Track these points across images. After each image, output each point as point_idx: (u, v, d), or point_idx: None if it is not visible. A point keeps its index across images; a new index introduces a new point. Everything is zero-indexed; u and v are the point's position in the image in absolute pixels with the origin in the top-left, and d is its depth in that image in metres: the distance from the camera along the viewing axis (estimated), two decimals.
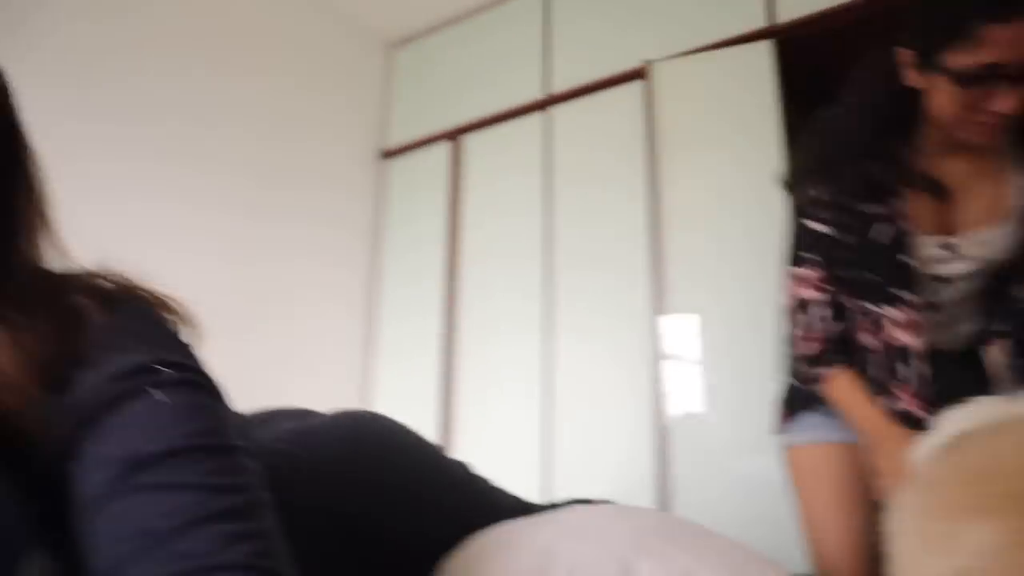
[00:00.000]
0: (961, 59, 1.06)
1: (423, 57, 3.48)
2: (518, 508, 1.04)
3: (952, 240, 1.20)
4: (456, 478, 0.99)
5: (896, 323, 1.19)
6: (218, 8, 2.79)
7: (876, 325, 1.22)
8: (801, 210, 1.34)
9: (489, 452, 2.70)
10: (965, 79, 1.06)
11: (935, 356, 1.20)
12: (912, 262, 1.19)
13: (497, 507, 1.00)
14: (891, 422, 1.19)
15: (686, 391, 2.37)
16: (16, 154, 0.55)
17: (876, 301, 1.22)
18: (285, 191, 2.94)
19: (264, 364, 2.68)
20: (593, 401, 2.57)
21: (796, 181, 1.36)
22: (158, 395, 0.48)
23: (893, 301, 1.20)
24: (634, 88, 2.72)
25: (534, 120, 3.00)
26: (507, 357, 2.80)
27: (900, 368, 1.19)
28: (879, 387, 1.22)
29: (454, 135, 3.20)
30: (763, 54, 2.46)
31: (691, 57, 2.60)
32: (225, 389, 0.54)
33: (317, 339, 2.98)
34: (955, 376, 1.20)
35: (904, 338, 1.19)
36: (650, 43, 2.72)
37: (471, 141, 3.18)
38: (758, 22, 2.51)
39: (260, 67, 2.92)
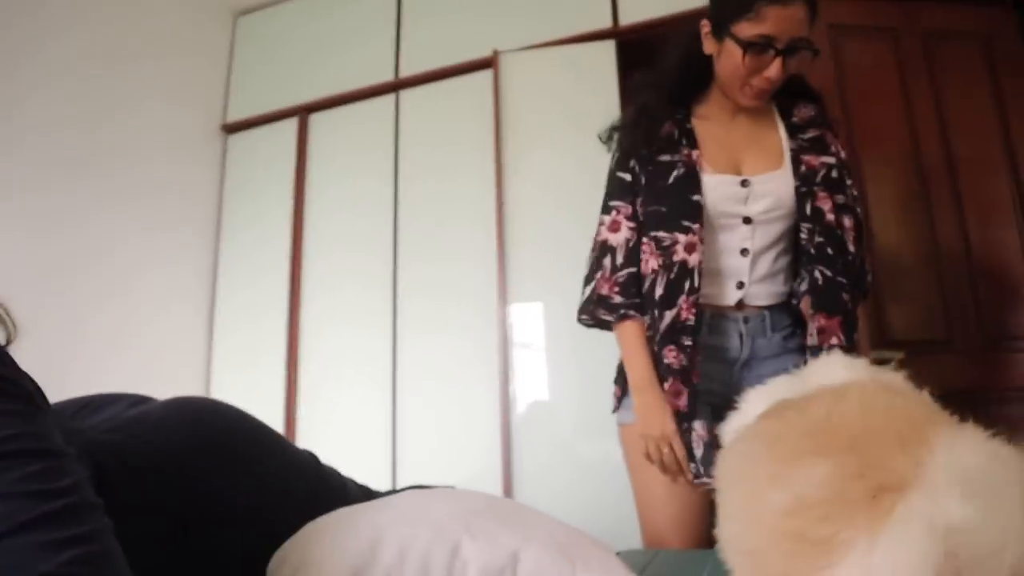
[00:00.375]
0: (745, 29, 1.35)
1: (271, 27, 3.33)
2: (360, 494, 1.05)
3: (747, 177, 1.44)
4: (300, 462, 0.98)
5: (684, 247, 1.41)
6: None
7: (667, 251, 1.43)
8: (611, 167, 1.57)
9: (336, 444, 2.66)
10: (747, 44, 1.35)
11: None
12: (698, 198, 1.42)
13: (340, 492, 1.00)
14: (656, 383, 1.41)
15: (532, 379, 2.45)
16: None
17: (670, 230, 1.43)
18: (118, 162, 2.71)
19: (99, 351, 2.49)
20: (441, 391, 2.59)
21: (609, 137, 1.59)
22: None
23: (684, 230, 1.42)
24: (483, 77, 2.75)
25: (384, 102, 2.96)
26: (354, 347, 2.77)
27: (685, 283, 1.40)
28: (666, 302, 1.41)
29: (301, 112, 3.10)
30: (607, 53, 2.57)
31: (539, 51, 2.67)
32: (40, 389, 0.50)
33: (154, 323, 2.79)
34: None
35: (688, 257, 1.41)
36: (501, 34, 2.76)
37: (318, 120, 3.09)
38: (604, 22, 2.61)
39: (92, 26, 2.67)
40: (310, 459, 1.02)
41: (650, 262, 1.45)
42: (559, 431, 2.38)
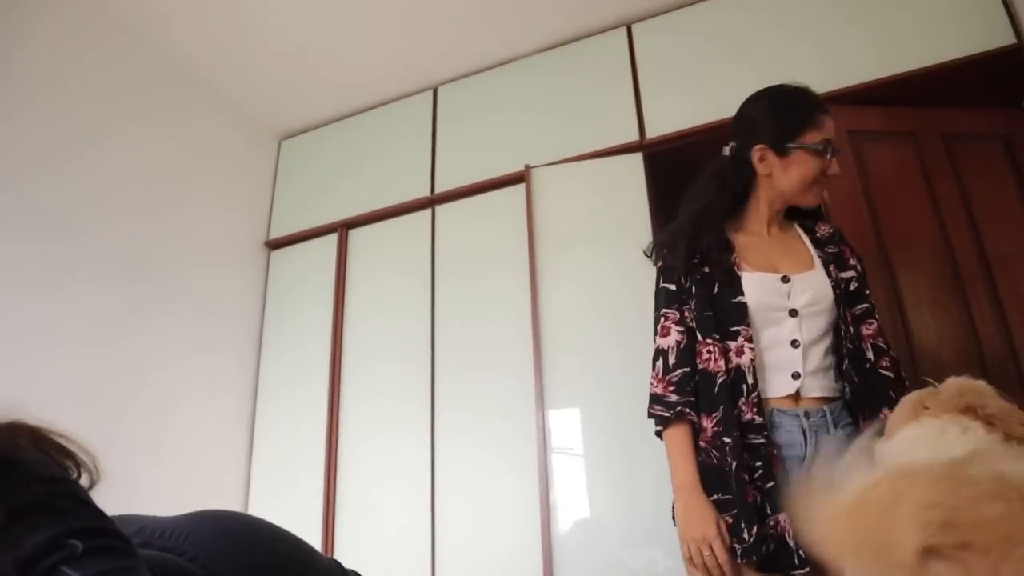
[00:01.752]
0: (811, 137, 1.57)
1: (312, 149, 3.52)
2: None
3: (787, 274, 1.56)
4: (323, 568, 0.98)
5: (735, 351, 1.50)
6: (108, 88, 2.72)
7: (724, 355, 1.50)
8: (657, 280, 1.67)
9: (375, 555, 2.62)
10: (819, 150, 1.56)
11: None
12: (742, 299, 1.53)
13: None
14: (699, 486, 1.45)
15: (572, 485, 2.42)
16: None
17: (723, 337, 1.52)
18: (167, 278, 2.84)
19: (139, 463, 2.53)
20: (480, 499, 2.57)
21: (656, 254, 1.71)
22: (70, 572, 0.47)
23: (734, 335, 1.51)
24: (516, 191, 2.86)
25: (420, 217, 3.08)
26: (392, 456, 2.77)
27: (742, 385, 1.47)
28: (730, 403, 1.46)
29: (340, 228, 3.23)
30: (635, 164, 2.67)
31: (569, 165, 2.78)
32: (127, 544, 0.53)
33: (196, 433, 2.83)
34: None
35: (740, 360, 1.49)
36: (532, 150, 2.89)
37: (357, 235, 3.21)
38: (631, 136, 2.73)
39: (142, 148, 2.84)
40: (333, 565, 1.03)
41: (710, 365, 1.51)
42: (602, 539, 2.33)
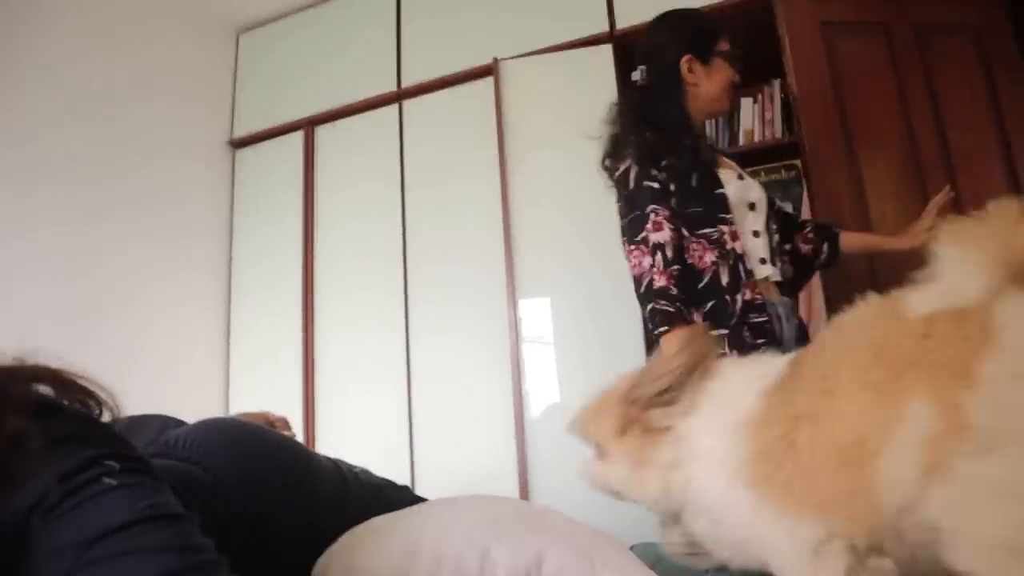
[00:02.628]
0: (723, 45, 1.76)
1: (273, 43, 3.39)
2: (387, 488, 1.11)
3: (740, 171, 1.75)
4: (326, 472, 1.04)
5: (729, 235, 1.60)
6: None
7: (720, 243, 1.60)
8: (639, 178, 1.65)
9: (354, 446, 2.72)
10: (735, 55, 1.76)
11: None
12: (722, 191, 1.65)
13: (367, 495, 1.06)
14: None
15: (543, 374, 2.51)
16: None
17: (714, 224, 1.61)
18: (129, 179, 2.78)
19: (116, 364, 2.54)
20: (455, 390, 2.66)
21: (632, 156, 1.68)
22: (109, 480, 0.52)
23: (725, 222, 1.61)
24: (484, 84, 2.80)
25: (387, 112, 3.02)
26: (368, 351, 2.83)
27: (740, 268, 1.59)
28: (733, 288, 1.57)
29: (306, 125, 3.16)
30: (605, 56, 2.62)
31: (538, 57, 2.72)
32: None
33: (171, 336, 2.86)
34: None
35: (735, 245, 1.61)
36: (499, 42, 2.81)
37: (324, 132, 3.15)
38: (601, 27, 2.67)
39: (99, 47, 2.74)
40: (333, 467, 1.08)
41: (706, 257, 1.60)
42: None
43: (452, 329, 2.70)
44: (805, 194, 2.32)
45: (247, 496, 0.80)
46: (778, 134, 2.79)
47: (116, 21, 2.83)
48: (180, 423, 1.04)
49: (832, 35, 2.29)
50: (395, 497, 1.11)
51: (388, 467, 2.61)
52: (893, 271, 2.13)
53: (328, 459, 1.09)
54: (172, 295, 2.91)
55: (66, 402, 0.60)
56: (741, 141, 2.83)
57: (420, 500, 1.11)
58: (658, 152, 1.65)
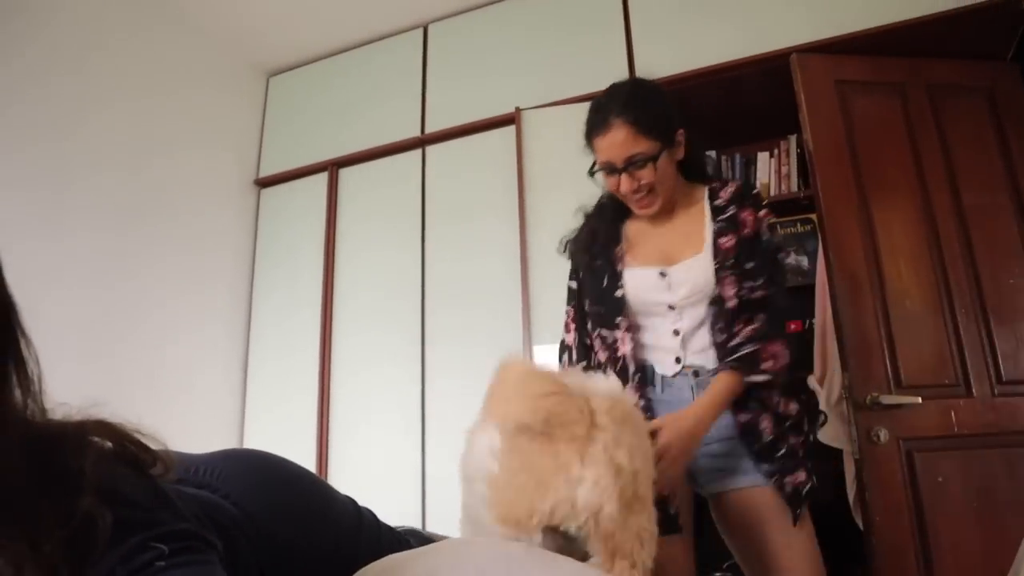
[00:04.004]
0: (597, 159, 1.62)
1: (301, 86, 3.50)
2: (392, 537, 1.13)
3: (665, 268, 1.59)
4: (343, 506, 1.06)
5: (619, 340, 1.58)
6: (94, 28, 2.70)
7: (612, 347, 1.59)
8: (569, 276, 1.75)
9: (367, 484, 2.73)
10: (597, 172, 1.63)
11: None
12: (621, 293, 1.59)
13: (378, 534, 1.08)
14: None
15: None
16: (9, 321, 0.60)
17: (610, 327, 1.60)
18: (159, 217, 2.87)
19: (134, 394, 2.60)
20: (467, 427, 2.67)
21: (564, 249, 1.79)
22: (160, 563, 0.56)
23: (616, 326, 1.58)
24: (506, 132, 2.88)
25: (411, 157, 3.09)
26: (383, 388, 2.86)
27: (626, 373, 1.55)
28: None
29: (331, 167, 3.24)
30: None
31: (559, 108, 2.79)
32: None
33: (189, 368, 2.91)
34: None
35: (624, 349, 1.57)
36: (522, 92, 2.89)
37: (348, 174, 3.23)
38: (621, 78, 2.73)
39: (132, 89, 2.84)
40: (348, 499, 1.10)
41: (599, 355, 1.63)
42: None
43: (468, 370, 2.72)
44: (820, 248, 2.34)
45: (270, 524, 0.82)
46: (794, 188, 2.84)
47: (151, 63, 2.95)
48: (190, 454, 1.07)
49: (848, 92, 2.34)
50: (402, 538, 1.13)
51: (400, 505, 2.65)
52: (907, 335, 2.15)
53: (347, 497, 1.11)
54: (194, 328, 2.96)
55: (124, 458, 0.64)
56: None
57: (429, 540, 1.13)
58: (577, 250, 1.72)
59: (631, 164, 1.55)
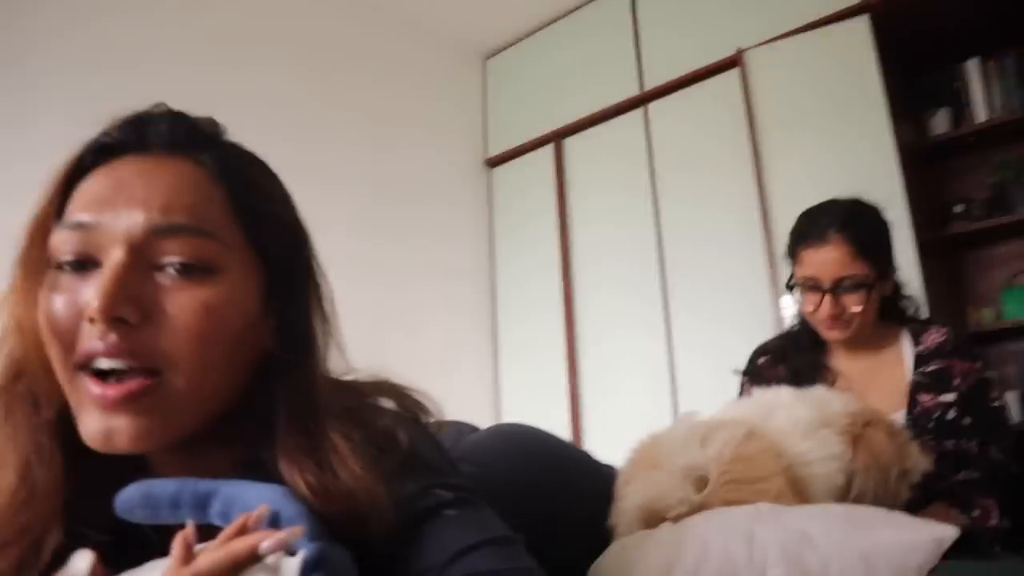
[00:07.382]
0: (797, 272, 1.48)
1: (517, 64, 3.60)
2: None
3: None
4: (602, 472, 1.10)
5: None
6: (314, 28, 2.97)
7: None
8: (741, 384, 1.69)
9: (619, 443, 2.78)
10: (795, 287, 1.49)
11: None
12: None
13: None
14: None
15: None
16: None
17: None
18: (396, 207, 3.11)
19: (399, 364, 2.85)
20: (719, 387, 2.60)
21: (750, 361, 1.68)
22: (449, 512, 0.62)
23: None
24: (730, 76, 2.74)
25: (633, 116, 3.07)
26: (629, 349, 2.89)
27: None
28: None
29: (555, 139, 3.31)
30: (861, 28, 2.44)
31: (785, 40, 2.60)
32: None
33: (444, 349, 3.13)
34: None
35: None
36: (742, 31, 2.73)
37: (572, 143, 3.28)
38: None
39: (357, 85, 3.09)
40: (607, 469, 1.14)
41: None
42: None
43: (714, 322, 2.66)
44: None
45: (535, 499, 0.88)
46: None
47: (379, 62, 3.20)
48: (474, 429, 1.15)
49: None
50: None
51: None
52: None
53: (612, 468, 1.15)
54: (442, 303, 3.19)
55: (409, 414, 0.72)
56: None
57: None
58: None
59: (839, 286, 1.42)
